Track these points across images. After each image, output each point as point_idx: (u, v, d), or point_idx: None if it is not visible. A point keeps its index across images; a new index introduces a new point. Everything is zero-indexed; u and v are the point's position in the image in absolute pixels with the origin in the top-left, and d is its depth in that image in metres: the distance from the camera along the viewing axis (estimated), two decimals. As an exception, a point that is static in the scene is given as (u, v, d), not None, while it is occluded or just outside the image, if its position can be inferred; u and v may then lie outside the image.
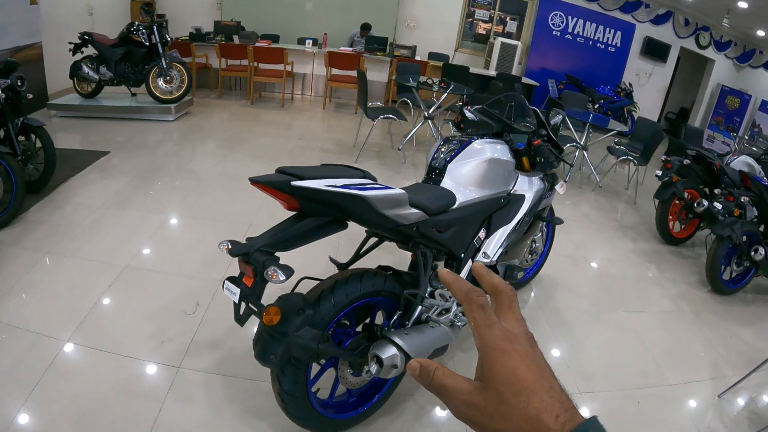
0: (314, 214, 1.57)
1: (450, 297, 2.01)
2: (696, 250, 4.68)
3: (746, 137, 7.16)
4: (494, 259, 2.34)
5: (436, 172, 2.21)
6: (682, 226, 4.66)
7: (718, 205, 3.79)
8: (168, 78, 5.28)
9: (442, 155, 2.24)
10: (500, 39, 7.87)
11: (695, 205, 4.19)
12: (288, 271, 1.41)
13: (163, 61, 5.20)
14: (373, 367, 1.63)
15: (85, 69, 5.23)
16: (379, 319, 1.97)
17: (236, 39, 6.24)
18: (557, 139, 2.77)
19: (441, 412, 2.20)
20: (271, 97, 6.74)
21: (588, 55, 8.83)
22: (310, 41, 6.46)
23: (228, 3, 6.93)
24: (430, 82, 5.47)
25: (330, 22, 7.12)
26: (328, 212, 1.58)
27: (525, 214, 2.49)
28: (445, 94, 5.35)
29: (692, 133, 6.94)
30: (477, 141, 2.29)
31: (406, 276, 1.98)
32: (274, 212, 3.50)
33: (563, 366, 2.70)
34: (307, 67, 6.61)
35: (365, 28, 6.80)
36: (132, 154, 4.42)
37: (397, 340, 1.67)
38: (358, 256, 2.21)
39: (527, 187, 2.53)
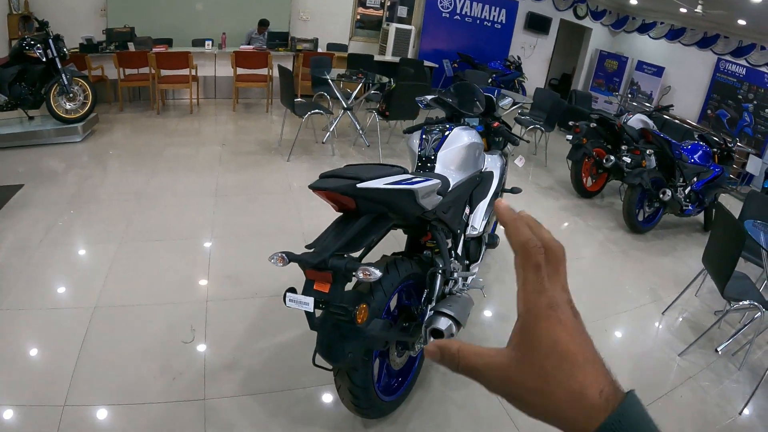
0: (365, 212, 1.68)
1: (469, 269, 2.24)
2: (607, 199, 5.49)
3: (628, 95, 8.42)
4: (481, 230, 2.64)
5: (429, 161, 2.41)
6: (594, 181, 5.42)
7: (628, 159, 4.50)
8: (71, 95, 4.76)
9: (428, 145, 2.45)
10: (394, 25, 8.24)
11: (604, 161, 4.93)
12: (378, 267, 1.51)
13: (64, 77, 4.68)
14: (431, 341, 1.81)
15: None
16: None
17: (131, 46, 5.77)
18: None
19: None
20: (176, 104, 6.35)
21: (476, 33, 9.60)
22: (209, 42, 6.20)
23: (113, 9, 6.33)
24: (347, 73, 5.61)
25: (223, 20, 6.89)
26: (376, 209, 1.70)
27: (496, 188, 2.83)
28: (391, 83, 5.51)
29: (582, 97, 7.98)
30: (456, 129, 2.54)
31: (424, 258, 2.17)
32: (232, 222, 3.49)
33: None
34: (209, 69, 6.35)
35: (263, 24, 6.70)
36: (50, 184, 3.95)
37: (447, 311, 1.87)
38: (369, 248, 2.34)
39: (493, 164, 2.87)
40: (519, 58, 9.73)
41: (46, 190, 3.81)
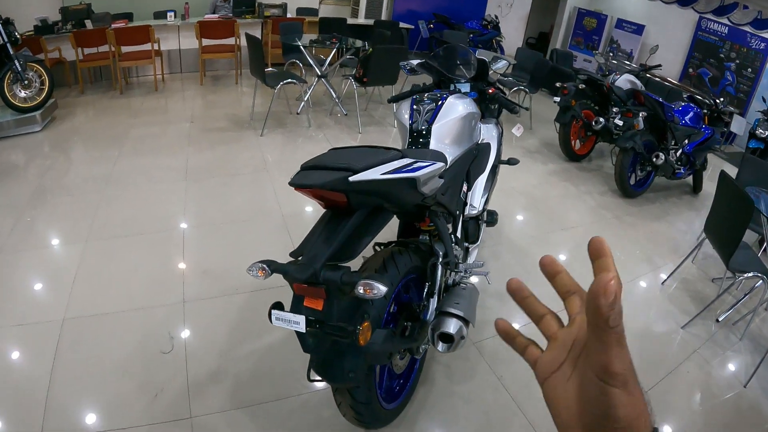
0: (358, 207, 1.44)
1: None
2: (595, 162, 5.38)
3: (609, 53, 8.22)
4: (480, 208, 2.46)
5: (422, 135, 2.17)
6: (582, 144, 5.28)
7: (620, 122, 4.35)
8: (26, 82, 4.33)
9: (421, 116, 2.20)
10: (367, -14, 7.79)
11: (593, 124, 4.78)
12: (384, 280, 1.29)
13: (17, 64, 4.27)
14: (441, 346, 1.64)
15: None
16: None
17: (89, 24, 5.24)
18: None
19: (468, 368, 2.30)
20: (140, 82, 5.86)
21: (452, -7, 9.19)
22: (172, 13, 5.69)
23: (67, -15, 5.71)
24: (321, 39, 5.24)
25: None
26: (371, 202, 1.46)
27: (494, 161, 2.62)
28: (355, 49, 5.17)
29: (563, 56, 7.75)
30: (450, 98, 2.29)
31: (421, 246, 1.96)
32: (205, 209, 3.22)
33: (536, 286, 2.98)
34: (172, 43, 5.85)
35: None
36: (8, 180, 3.55)
37: (454, 310, 1.69)
38: None
39: (489, 134, 2.64)
40: (497, 17, 9.39)
41: (5, 187, 3.44)
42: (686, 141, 4.36)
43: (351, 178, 1.30)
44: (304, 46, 4.98)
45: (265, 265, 1.34)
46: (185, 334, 2.24)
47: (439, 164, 1.59)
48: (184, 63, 6.12)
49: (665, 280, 3.35)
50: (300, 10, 6.94)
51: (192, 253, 2.83)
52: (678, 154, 4.35)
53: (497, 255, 3.32)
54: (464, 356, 2.37)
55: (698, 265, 3.57)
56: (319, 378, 1.53)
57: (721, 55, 7.54)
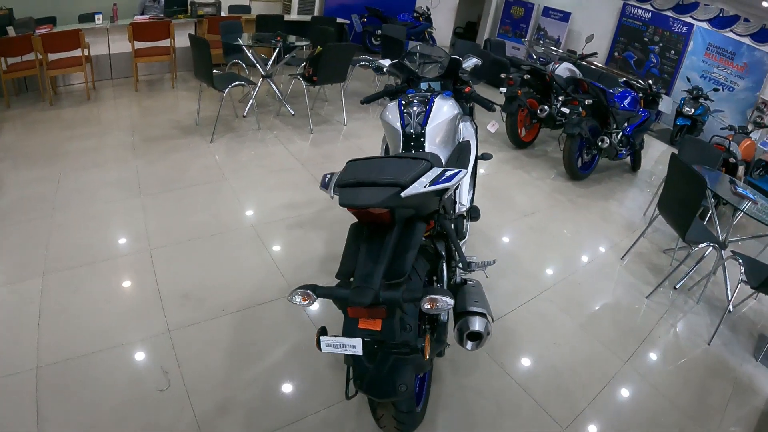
0: (398, 220, 1.43)
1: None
2: (540, 148, 5.66)
3: (541, 42, 8.62)
4: (468, 204, 2.51)
5: (416, 139, 2.17)
6: (527, 131, 5.51)
7: (566, 110, 4.59)
8: None
9: (413, 120, 2.20)
10: (299, -20, 7.59)
11: (538, 111, 5.01)
12: (447, 292, 1.28)
13: None
14: (469, 345, 1.66)
15: None
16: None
17: (11, 31, 4.62)
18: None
19: (470, 361, 2.35)
20: (68, 91, 5.26)
21: (382, -15, 9.18)
22: (99, 16, 5.18)
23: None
24: (266, 37, 5.04)
25: None
26: (407, 213, 1.46)
27: (474, 157, 2.68)
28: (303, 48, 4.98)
29: (496, 45, 8.03)
30: (437, 100, 2.31)
31: (429, 249, 1.98)
32: (168, 226, 3.04)
33: (515, 274, 3.12)
34: (101, 47, 5.33)
35: None
36: None
37: (477, 309, 1.72)
38: None
39: (467, 132, 2.69)
40: (428, 9, 9.52)
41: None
42: (626, 124, 4.69)
43: (403, 194, 1.30)
44: (248, 46, 4.77)
45: (309, 291, 1.30)
46: (179, 366, 2.09)
47: (463, 171, 1.60)
48: (114, 68, 5.61)
49: (624, 255, 3.60)
50: (232, 8, 6.63)
51: (165, 275, 2.64)
52: (619, 136, 4.67)
53: (469, 246, 3.40)
54: (464, 350, 2.42)
55: (650, 239, 3.88)
56: (349, 396, 1.51)
57: (645, 39, 8.16)
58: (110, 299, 2.43)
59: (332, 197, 1.44)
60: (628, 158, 5.33)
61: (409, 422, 1.66)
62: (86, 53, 4.96)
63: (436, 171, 1.50)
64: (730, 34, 7.18)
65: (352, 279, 1.38)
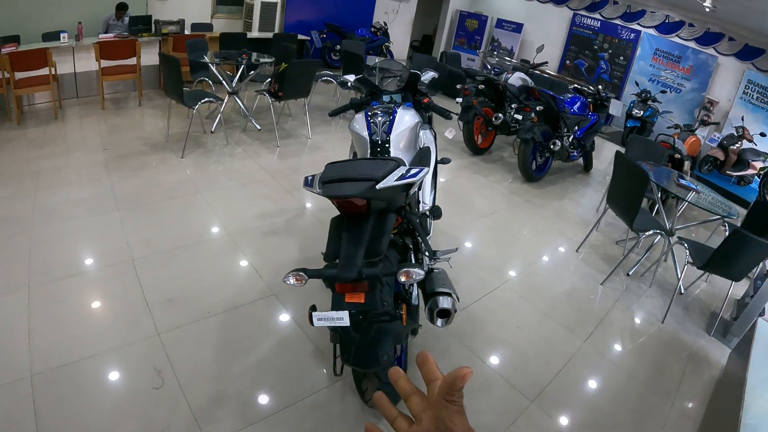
0: (374, 210, 1.63)
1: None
2: (496, 153, 5.99)
3: (495, 53, 9.07)
4: (430, 204, 2.75)
5: (382, 146, 2.38)
6: (483, 138, 5.84)
7: (518, 116, 4.92)
8: None
9: (379, 129, 2.42)
10: (259, -1, 7.75)
11: (493, 119, 5.33)
12: (420, 265, 1.49)
13: None
14: (439, 321, 1.86)
15: None
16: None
17: None
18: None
19: (442, 346, 2.55)
20: (34, 110, 5.19)
21: (340, 3, 9.46)
22: (65, 34, 5.15)
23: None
24: (233, 54, 5.17)
25: (74, 8, 5.77)
26: (380, 205, 1.67)
27: (435, 161, 2.93)
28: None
29: (452, 57, 8.41)
30: (399, 110, 2.54)
31: (397, 241, 2.19)
32: (149, 237, 3.15)
33: (478, 268, 3.36)
34: (67, 66, 5.31)
35: (121, 8, 5.76)
36: None
37: (444, 289, 1.93)
38: None
39: (427, 138, 2.95)
40: (385, 24, 9.86)
41: None
42: (576, 127, 5.07)
43: (378, 186, 1.50)
44: (217, 63, 4.89)
45: (300, 272, 1.48)
46: (171, 365, 2.20)
47: (426, 169, 1.83)
48: (80, 87, 5.59)
49: (579, 248, 3.91)
50: (195, 26, 6.71)
51: (150, 284, 2.73)
52: (570, 139, 5.04)
53: (433, 244, 3.61)
54: (435, 336, 2.62)
55: (602, 232, 4.22)
56: (337, 372, 1.69)
57: (595, 47, 8.74)
58: (98, 308, 2.51)
59: (318, 192, 1.63)
60: (581, 159, 5.73)
61: (392, 394, 1.83)
62: (53, 72, 4.95)
63: (402, 169, 1.72)
64: (676, 39, 7.81)
65: (337, 261, 1.58)
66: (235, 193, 3.94)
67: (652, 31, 8.07)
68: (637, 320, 3.18)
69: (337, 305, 1.53)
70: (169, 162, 4.31)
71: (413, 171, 1.72)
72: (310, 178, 1.79)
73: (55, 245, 2.97)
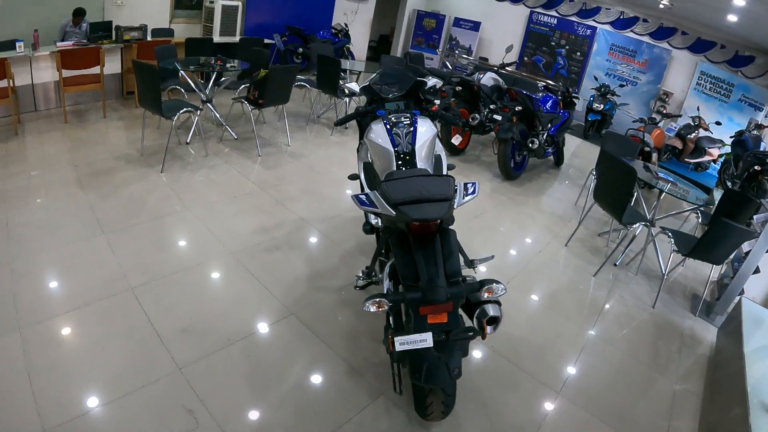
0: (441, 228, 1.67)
1: None
2: (472, 153, 6.07)
3: (456, 51, 9.15)
4: None
5: (407, 157, 2.35)
6: (461, 139, 5.90)
7: (498, 117, 5.00)
8: None
9: (403, 140, 2.38)
10: (220, 2, 7.42)
11: (470, 120, 5.39)
12: (496, 279, 1.51)
13: None
14: (489, 329, 1.87)
15: None
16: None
17: None
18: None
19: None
20: None
21: (299, 5, 9.26)
22: (21, 43, 4.67)
23: None
24: (207, 61, 4.93)
25: (27, 15, 5.26)
26: (448, 222, 1.68)
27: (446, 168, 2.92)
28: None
29: (415, 57, 8.41)
30: (419, 120, 2.51)
31: None
32: (144, 262, 3.09)
33: (481, 269, 3.40)
34: (24, 77, 4.83)
35: (79, 14, 5.30)
36: None
37: (490, 297, 1.94)
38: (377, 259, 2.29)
39: (438, 147, 2.94)
40: (346, 25, 9.74)
41: None
42: (550, 125, 5.21)
43: (455, 204, 1.51)
44: (192, 71, 4.66)
45: (381, 299, 1.45)
46: (202, 402, 2.06)
47: (477, 183, 1.83)
48: (39, 99, 5.13)
49: (567, 242, 4.04)
50: (156, 32, 6.34)
51: (157, 314, 2.54)
52: (545, 137, 5.18)
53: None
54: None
55: (584, 225, 4.37)
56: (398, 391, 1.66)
57: (552, 43, 9.01)
58: (104, 346, 2.30)
59: (392, 215, 1.62)
60: (552, 155, 5.92)
61: (452, 404, 1.85)
62: (11, 84, 4.52)
63: (460, 185, 1.72)
64: (631, 34, 8.19)
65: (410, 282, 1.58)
66: (227, 208, 3.77)
67: (607, 27, 8.43)
68: (630, 307, 3.34)
69: (420, 327, 1.52)
70: (148, 177, 4.06)
71: (471, 188, 1.73)
72: (363, 197, 1.72)
73: (40, 278, 2.70)
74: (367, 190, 2.66)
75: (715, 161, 6.91)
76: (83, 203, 3.51)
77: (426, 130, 2.51)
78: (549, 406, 2.35)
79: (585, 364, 2.69)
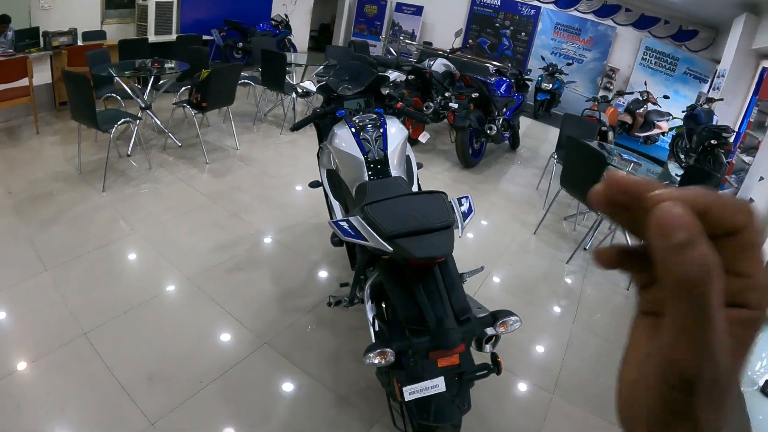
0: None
1: None
2: (429, 143, 5.92)
3: (400, 37, 8.90)
4: None
5: (378, 164, 2.16)
6: (414, 128, 5.75)
7: (454, 104, 4.88)
8: None
9: (373, 146, 2.19)
10: (153, -1, 6.86)
11: (424, 108, 5.25)
12: (510, 311, 1.36)
13: None
14: (487, 347, 1.76)
15: None
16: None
17: None
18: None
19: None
20: None
21: (235, -3, 8.75)
22: None
23: None
24: (143, 64, 4.49)
25: None
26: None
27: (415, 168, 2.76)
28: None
29: (360, 46, 8.16)
30: (388, 121, 2.32)
31: None
32: (94, 301, 2.74)
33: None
34: None
35: (4, 21, 4.63)
36: None
37: (484, 314, 1.82)
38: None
39: (408, 148, 2.77)
40: (286, 15, 9.29)
41: None
42: (505, 109, 5.15)
43: (461, 231, 1.36)
44: (127, 76, 4.22)
45: (384, 348, 1.28)
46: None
47: (470, 197, 1.68)
48: None
49: (536, 230, 4.02)
50: (87, 35, 5.71)
51: (117, 362, 2.25)
52: (501, 121, 5.12)
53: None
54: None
55: (552, 212, 4.36)
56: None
57: (497, 24, 8.95)
58: (62, 408, 2.00)
59: (388, 250, 1.41)
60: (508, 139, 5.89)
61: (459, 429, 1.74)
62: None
63: (454, 202, 1.57)
64: (575, 13, 8.25)
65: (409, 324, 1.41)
66: (178, 226, 3.45)
67: (551, 7, 8.46)
68: (606, 290, 3.36)
69: (430, 373, 1.37)
70: (90, 198, 3.65)
71: (464, 203, 1.58)
72: (345, 226, 1.51)
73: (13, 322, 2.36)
74: (334, 203, 2.46)
75: (664, 134, 7.15)
76: (22, 236, 3.09)
77: (396, 132, 2.33)
78: (545, 408, 2.29)
79: (573, 358, 2.65)
